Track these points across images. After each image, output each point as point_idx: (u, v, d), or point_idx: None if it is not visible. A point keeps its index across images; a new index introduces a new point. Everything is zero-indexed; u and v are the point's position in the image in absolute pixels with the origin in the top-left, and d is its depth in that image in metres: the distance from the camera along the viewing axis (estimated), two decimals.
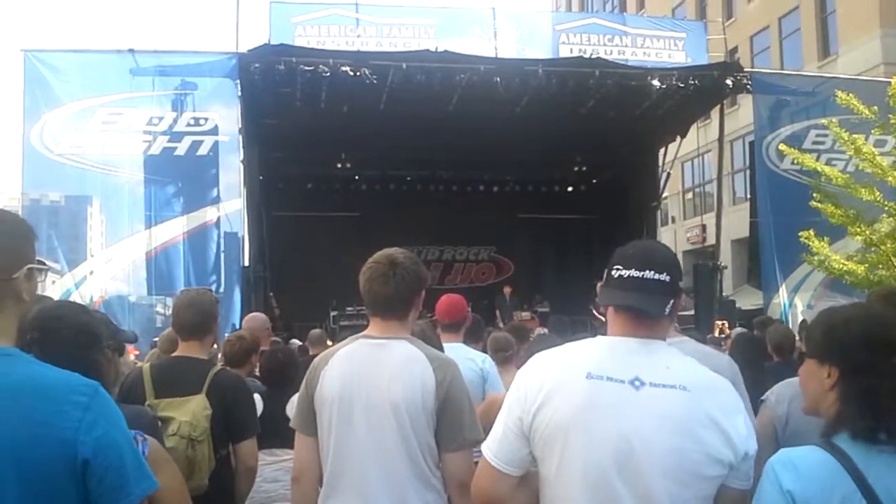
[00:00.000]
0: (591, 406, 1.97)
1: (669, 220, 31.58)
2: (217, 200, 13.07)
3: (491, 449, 2.12)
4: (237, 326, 9.89)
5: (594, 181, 21.52)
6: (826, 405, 1.82)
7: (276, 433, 3.59)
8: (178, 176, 13.07)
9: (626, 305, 2.05)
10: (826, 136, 14.81)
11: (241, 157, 13.99)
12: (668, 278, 2.01)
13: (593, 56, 15.33)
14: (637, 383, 1.95)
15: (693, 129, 18.42)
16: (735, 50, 26.14)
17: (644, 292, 2.01)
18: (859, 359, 1.77)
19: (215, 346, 4.58)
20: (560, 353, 2.15)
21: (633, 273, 2.02)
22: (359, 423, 2.69)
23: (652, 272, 2.01)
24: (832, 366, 1.82)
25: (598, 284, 2.14)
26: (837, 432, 1.73)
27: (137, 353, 7.57)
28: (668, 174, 19.55)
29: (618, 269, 2.05)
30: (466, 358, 4.29)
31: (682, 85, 14.84)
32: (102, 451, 1.61)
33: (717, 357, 3.32)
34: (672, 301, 2.03)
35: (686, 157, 25.43)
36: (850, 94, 13.74)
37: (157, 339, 6.88)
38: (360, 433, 2.69)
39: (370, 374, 2.73)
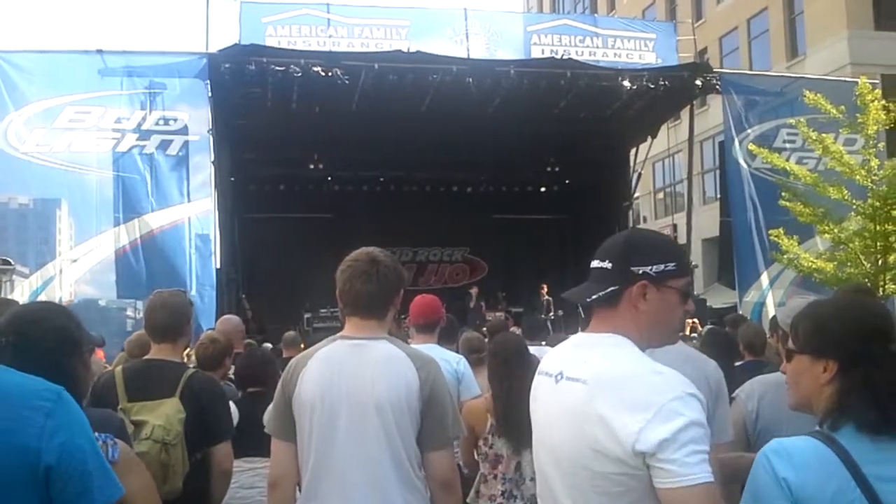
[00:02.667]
0: (532, 400, 2.10)
1: (641, 220, 31.80)
2: (187, 201, 12.92)
3: None
4: (209, 329, 9.79)
5: (567, 181, 21.63)
6: (821, 399, 1.81)
7: (253, 440, 3.55)
8: (147, 175, 12.89)
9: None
10: (796, 134, 15.00)
11: (212, 157, 13.87)
12: (609, 265, 1.95)
13: (565, 57, 15.41)
14: (558, 377, 1.96)
15: (663, 129, 18.58)
16: (704, 51, 26.40)
17: (587, 282, 2.00)
18: (858, 350, 1.76)
19: (188, 349, 4.53)
20: None
21: (591, 265, 2.02)
22: (341, 426, 2.65)
23: (597, 261, 1.99)
24: (830, 359, 1.80)
25: None
26: (840, 425, 1.72)
27: (104, 356, 7.46)
28: (640, 174, 19.73)
29: None
30: (441, 359, 4.25)
31: (652, 85, 14.98)
32: (66, 458, 1.56)
33: (703, 362, 3.27)
34: (611, 288, 1.93)
35: (657, 158, 25.66)
36: (818, 95, 13.96)
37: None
38: (342, 435, 2.65)
39: (352, 376, 2.69)
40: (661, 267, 1.93)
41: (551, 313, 17.68)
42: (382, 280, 2.78)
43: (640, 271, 1.92)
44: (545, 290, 18.47)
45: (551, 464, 1.95)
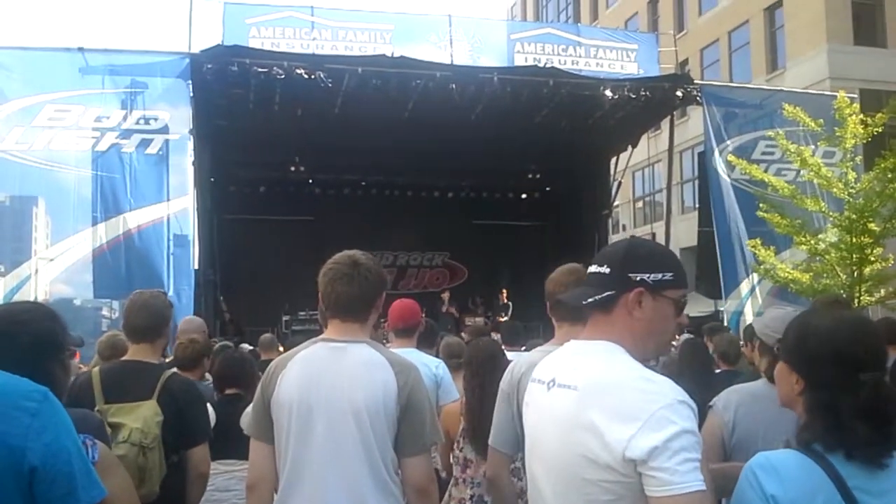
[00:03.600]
0: (525, 406, 2.10)
1: (620, 229, 31.94)
2: (166, 200, 12.81)
3: None
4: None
5: (547, 189, 21.71)
6: (797, 409, 1.84)
7: (230, 442, 3.52)
8: (126, 174, 12.78)
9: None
10: (775, 146, 15.14)
11: (192, 157, 13.78)
12: (607, 270, 1.94)
13: (547, 65, 15.48)
14: (550, 384, 1.95)
15: (644, 139, 18.69)
16: (686, 62, 26.61)
17: (582, 287, 2.01)
18: (824, 374, 1.77)
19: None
20: None
21: (588, 269, 2.02)
22: (318, 429, 2.64)
23: (595, 266, 1.98)
24: (799, 376, 1.83)
25: None
26: (812, 441, 1.74)
27: (79, 356, 7.39)
28: (620, 183, 19.84)
29: None
30: (420, 363, 4.25)
31: (633, 96, 15.07)
32: (51, 458, 1.56)
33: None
34: (607, 293, 1.92)
35: (637, 167, 25.81)
36: (797, 108, 14.13)
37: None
38: (319, 439, 2.63)
39: (330, 379, 2.68)
40: (659, 276, 1.92)
41: (506, 318, 17.65)
42: (363, 282, 2.78)
43: (638, 278, 1.90)
44: (505, 294, 18.59)
45: (542, 470, 1.94)
